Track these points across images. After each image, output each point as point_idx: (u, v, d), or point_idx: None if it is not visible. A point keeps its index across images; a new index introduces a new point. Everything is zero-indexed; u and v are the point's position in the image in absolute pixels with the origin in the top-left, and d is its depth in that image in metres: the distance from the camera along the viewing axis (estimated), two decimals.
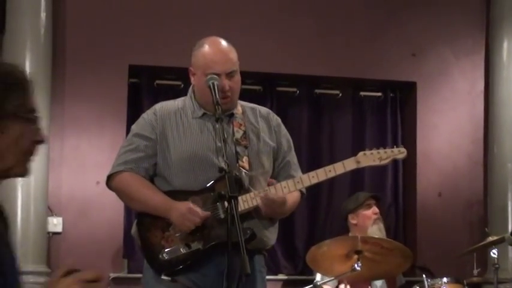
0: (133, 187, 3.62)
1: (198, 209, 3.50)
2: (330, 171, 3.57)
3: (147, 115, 3.73)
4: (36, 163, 6.36)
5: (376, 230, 5.67)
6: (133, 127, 3.75)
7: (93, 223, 6.37)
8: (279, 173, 3.73)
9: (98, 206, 6.32)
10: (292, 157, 3.80)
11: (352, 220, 5.84)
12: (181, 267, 3.52)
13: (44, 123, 6.38)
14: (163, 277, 3.52)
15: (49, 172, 6.21)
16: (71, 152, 6.42)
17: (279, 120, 3.83)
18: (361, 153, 3.59)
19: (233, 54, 3.66)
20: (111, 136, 6.32)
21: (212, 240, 3.51)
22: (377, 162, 3.59)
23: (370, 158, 3.58)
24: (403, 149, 3.63)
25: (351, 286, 5.17)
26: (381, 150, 3.60)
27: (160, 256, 3.54)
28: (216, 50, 3.63)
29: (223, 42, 3.67)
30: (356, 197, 5.94)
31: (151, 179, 3.67)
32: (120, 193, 3.69)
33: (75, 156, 6.42)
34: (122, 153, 3.68)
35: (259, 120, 3.76)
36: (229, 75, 3.61)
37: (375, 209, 5.82)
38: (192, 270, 3.53)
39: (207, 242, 3.51)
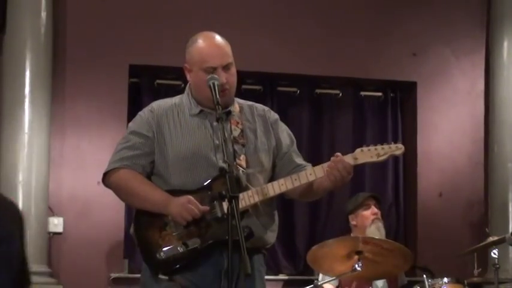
0: (132, 183, 3.61)
1: (193, 201, 3.50)
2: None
3: (143, 113, 3.72)
4: (37, 163, 6.41)
5: (375, 230, 5.67)
6: (130, 125, 3.74)
7: (94, 223, 6.37)
8: (283, 166, 3.72)
9: (99, 206, 6.32)
10: (295, 148, 3.79)
11: (352, 221, 5.85)
12: (178, 266, 3.50)
13: (44, 123, 6.43)
14: (160, 276, 3.50)
15: (50, 172, 6.22)
16: (71, 152, 6.42)
17: (276, 116, 3.81)
18: (358, 150, 3.57)
19: (228, 47, 3.64)
20: (112, 136, 6.30)
21: (209, 239, 3.49)
22: (374, 159, 3.57)
23: (368, 154, 3.56)
24: (400, 145, 3.61)
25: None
26: (378, 147, 3.58)
27: (158, 255, 3.52)
28: (210, 44, 3.62)
29: (217, 36, 3.66)
30: (355, 198, 5.94)
31: (149, 178, 3.66)
32: (118, 189, 3.67)
33: (75, 156, 6.42)
34: (119, 150, 3.66)
35: (256, 118, 3.74)
36: (226, 67, 3.59)
37: (374, 209, 5.82)
38: (189, 269, 3.52)
39: (205, 241, 3.50)
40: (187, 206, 3.47)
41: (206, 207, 3.50)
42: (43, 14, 6.20)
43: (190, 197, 3.50)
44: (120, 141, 3.70)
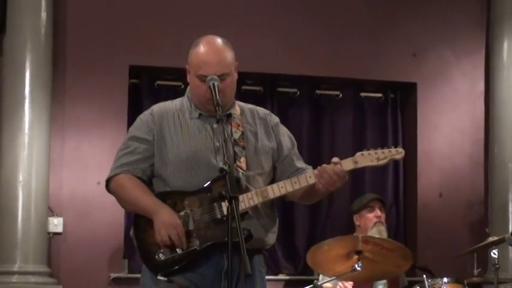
0: (125, 188, 3.62)
1: (180, 229, 3.47)
2: None
3: (144, 116, 3.72)
4: (37, 163, 6.42)
5: (376, 233, 5.68)
6: (131, 129, 3.74)
7: (94, 223, 6.37)
8: (284, 169, 3.72)
9: (99, 207, 6.32)
10: (296, 151, 3.80)
11: (356, 221, 5.88)
12: (177, 267, 3.51)
13: (44, 124, 6.44)
14: (159, 277, 3.51)
15: (50, 173, 6.22)
16: (71, 153, 6.42)
17: (277, 119, 3.81)
18: (358, 154, 3.57)
19: (227, 55, 3.59)
20: (112, 137, 6.32)
21: (209, 240, 3.50)
22: (375, 163, 3.57)
23: (368, 158, 3.56)
24: (401, 149, 3.61)
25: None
26: (379, 151, 3.58)
27: (157, 256, 3.53)
28: (208, 51, 3.57)
29: (218, 43, 3.61)
30: (361, 199, 5.97)
31: (150, 180, 3.66)
32: (116, 195, 3.70)
33: (75, 157, 6.42)
34: (119, 157, 3.67)
35: (257, 121, 3.74)
36: (220, 77, 3.54)
37: (378, 212, 5.83)
38: (189, 270, 3.52)
39: (203, 242, 3.51)
40: (170, 229, 3.46)
41: (184, 243, 3.47)
42: (43, 14, 6.20)
43: (179, 223, 3.48)
44: (120, 147, 3.71)
